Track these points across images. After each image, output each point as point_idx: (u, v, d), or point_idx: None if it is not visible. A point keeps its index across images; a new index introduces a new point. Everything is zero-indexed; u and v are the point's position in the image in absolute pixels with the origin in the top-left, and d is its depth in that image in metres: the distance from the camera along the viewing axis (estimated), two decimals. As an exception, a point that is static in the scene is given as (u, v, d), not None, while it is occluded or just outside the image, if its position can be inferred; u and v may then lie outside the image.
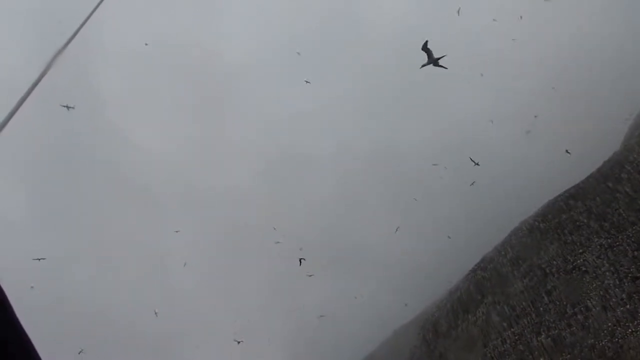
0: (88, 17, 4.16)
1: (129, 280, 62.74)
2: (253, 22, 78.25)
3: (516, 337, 28.17)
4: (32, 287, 51.74)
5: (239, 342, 54.30)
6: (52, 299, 56.74)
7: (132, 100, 73.34)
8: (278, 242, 58.61)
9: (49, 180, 69.09)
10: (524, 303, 29.61)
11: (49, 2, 69.33)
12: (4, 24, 70.09)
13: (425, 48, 19.57)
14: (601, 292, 25.38)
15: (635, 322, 23.09)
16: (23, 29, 70.50)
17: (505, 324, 29.73)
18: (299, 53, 69.16)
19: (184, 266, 62.15)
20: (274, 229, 60.97)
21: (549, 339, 25.88)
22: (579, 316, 25.41)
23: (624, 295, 24.46)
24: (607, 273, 26.15)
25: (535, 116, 55.86)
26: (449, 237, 51.07)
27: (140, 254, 65.37)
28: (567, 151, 41.40)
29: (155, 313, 53.58)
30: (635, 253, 26.06)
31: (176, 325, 59.55)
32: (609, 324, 23.91)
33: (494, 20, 60.89)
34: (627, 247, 26.64)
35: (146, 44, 68.91)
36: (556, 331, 25.90)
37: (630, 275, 25.13)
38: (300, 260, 37.24)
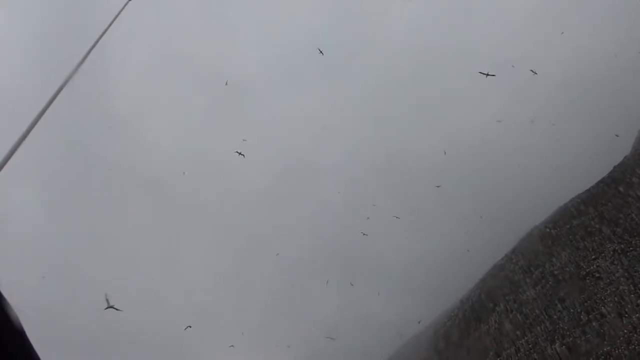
0: (103, 32, 4.22)
1: (138, 278, 63.14)
2: (265, 34, 79.14)
3: (530, 346, 27.69)
4: (43, 277, 52.76)
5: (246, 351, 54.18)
6: (62, 296, 57.43)
7: (149, 106, 74.46)
8: (287, 248, 58.63)
9: (64, 180, 70.22)
10: (537, 310, 29.15)
11: (60, 15, 70.90)
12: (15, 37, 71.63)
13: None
14: (616, 299, 24.93)
15: (652, 328, 22.66)
16: (32, 42, 71.94)
17: (518, 333, 29.26)
18: (309, 61, 70.08)
19: (191, 268, 62.60)
20: (282, 234, 61.21)
21: (564, 347, 25.40)
22: (594, 323, 24.95)
23: (639, 302, 24.01)
24: (622, 279, 25.71)
25: (553, 124, 55.57)
26: (458, 244, 50.69)
27: (149, 253, 65.89)
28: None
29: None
30: (650, 258, 25.67)
31: (182, 329, 59.71)
32: (625, 330, 23.44)
33: (500, 28, 61.28)
34: (641, 252, 26.22)
35: (164, 54, 70.48)
36: (571, 339, 25.43)
37: (645, 280, 24.70)
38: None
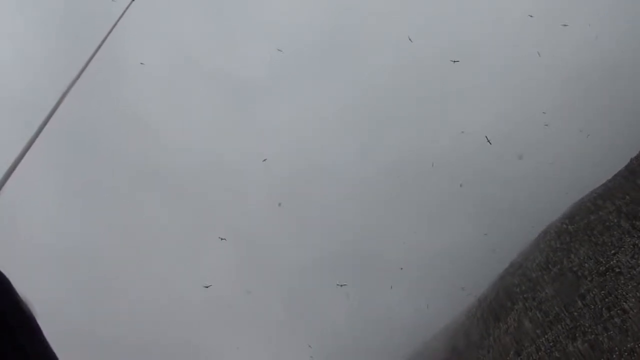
0: (110, 31, 4.28)
1: (147, 277, 63.94)
2: (269, 34, 79.67)
3: (551, 344, 27.27)
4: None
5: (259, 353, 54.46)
6: (73, 294, 58.38)
7: (161, 107, 75.70)
8: (298, 250, 58.75)
9: (79, 179, 71.61)
10: (556, 308, 28.72)
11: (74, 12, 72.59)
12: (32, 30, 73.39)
13: None
14: (638, 294, 24.43)
15: (677, 323, 22.18)
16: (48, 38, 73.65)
17: (538, 331, 28.85)
18: (314, 61, 70.55)
19: (202, 268, 63.30)
20: (293, 236, 61.39)
21: (586, 344, 24.94)
22: (616, 319, 24.47)
23: (662, 296, 23.55)
24: (643, 273, 25.22)
25: (566, 118, 54.98)
26: (473, 243, 50.23)
27: (159, 253, 66.79)
28: None
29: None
30: (672, 251, 25.16)
31: (194, 328, 60.31)
32: (649, 326, 22.97)
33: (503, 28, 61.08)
34: (662, 246, 25.73)
35: (173, 56, 71.82)
36: (593, 336, 24.97)
37: (667, 274, 24.22)
38: None
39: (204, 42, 77.68)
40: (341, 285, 52.83)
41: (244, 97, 75.93)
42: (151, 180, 71.70)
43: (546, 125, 56.99)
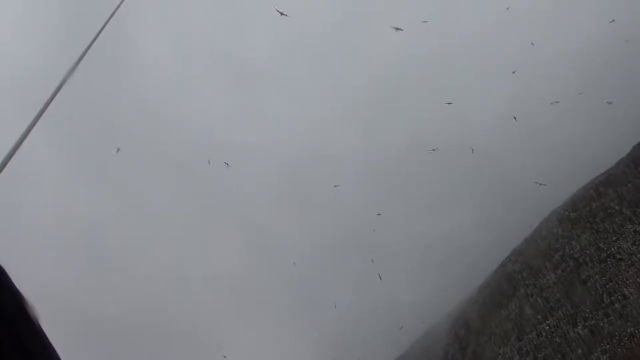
0: (111, 16, 4.39)
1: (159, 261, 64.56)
2: (276, 26, 79.37)
3: (552, 330, 27.60)
4: None
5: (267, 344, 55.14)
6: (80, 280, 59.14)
7: (168, 89, 75.92)
8: (301, 237, 59.16)
9: (86, 162, 72.17)
10: (558, 294, 29.00)
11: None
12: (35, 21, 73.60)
13: None
14: (638, 280, 24.71)
15: (676, 308, 22.42)
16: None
17: (539, 317, 29.16)
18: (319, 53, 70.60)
19: (208, 255, 63.90)
20: (298, 223, 61.71)
21: (586, 329, 25.27)
22: (616, 305, 24.76)
23: (662, 282, 23.79)
24: (644, 260, 25.45)
25: (570, 106, 54.73)
26: (476, 231, 50.49)
27: (166, 239, 67.38)
28: None
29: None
30: (672, 238, 25.33)
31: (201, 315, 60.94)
32: (649, 311, 23.26)
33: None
34: (663, 232, 25.91)
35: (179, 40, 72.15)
36: (593, 321, 25.28)
37: (668, 260, 24.42)
38: None
39: (212, 26, 77.62)
40: (346, 271, 53.39)
41: (250, 83, 76.04)
42: (157, 162, 72.06)
43: (550, 113, 56.78)
